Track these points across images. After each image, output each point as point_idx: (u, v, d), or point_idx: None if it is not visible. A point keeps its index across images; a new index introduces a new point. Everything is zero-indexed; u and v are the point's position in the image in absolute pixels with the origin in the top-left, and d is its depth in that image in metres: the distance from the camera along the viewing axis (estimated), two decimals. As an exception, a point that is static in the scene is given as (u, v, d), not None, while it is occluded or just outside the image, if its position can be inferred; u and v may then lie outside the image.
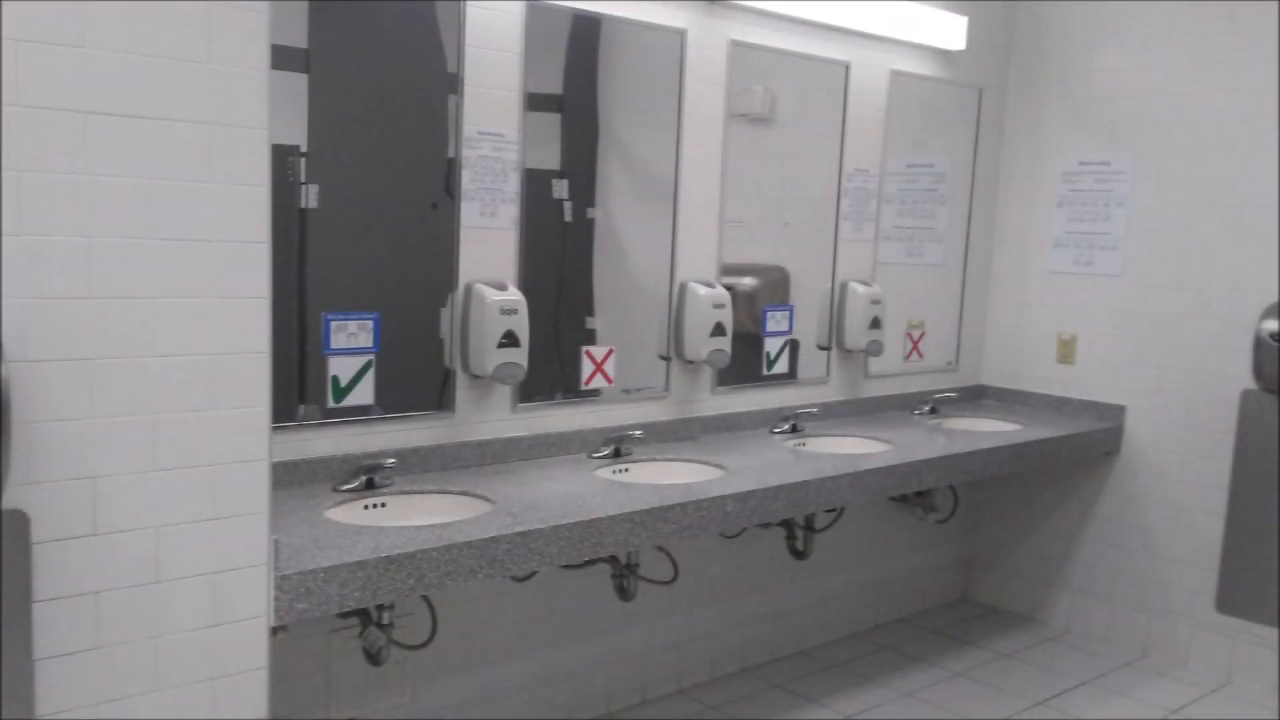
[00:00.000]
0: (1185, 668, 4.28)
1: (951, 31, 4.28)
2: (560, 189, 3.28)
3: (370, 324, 2.88)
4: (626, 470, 3.34)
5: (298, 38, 2.70)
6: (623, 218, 3.46)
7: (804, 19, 3.82)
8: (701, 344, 3.59)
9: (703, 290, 3.60)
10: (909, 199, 4.44)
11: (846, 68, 4.05)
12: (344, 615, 2.68)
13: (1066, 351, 4.59)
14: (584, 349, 3.40)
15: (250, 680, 2.15)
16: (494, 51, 3.06)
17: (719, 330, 3.60)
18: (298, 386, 2.81)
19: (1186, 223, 4.22)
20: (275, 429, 2.19)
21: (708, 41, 3.57)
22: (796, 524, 3.90)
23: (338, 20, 2.77)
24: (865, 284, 4.20)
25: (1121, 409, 4.43)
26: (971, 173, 4.66)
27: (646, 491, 2.98)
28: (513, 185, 3.15)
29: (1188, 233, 4.22)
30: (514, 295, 3.07)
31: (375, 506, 2.81)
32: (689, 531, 2.95)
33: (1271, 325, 3.80)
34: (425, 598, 2.92)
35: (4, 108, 1.78)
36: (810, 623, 4.29)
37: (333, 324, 2.82)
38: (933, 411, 4.47)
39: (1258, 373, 3.84)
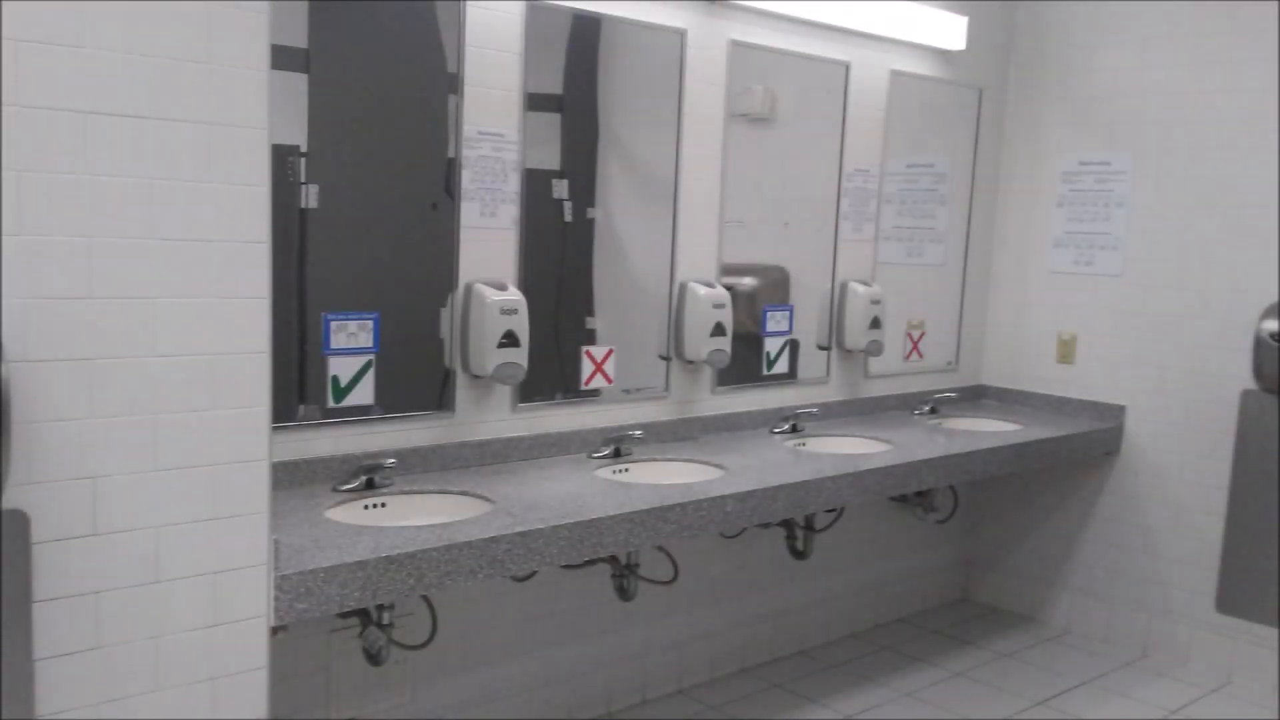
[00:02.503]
0: (1185, 668, 4.28)
1: (951, 31, 4.28)
2: (560, 189, 3.28)
3: (370, 324, 2.88)
4: (626, 470, 3.34)
5: (298, 38, 2.70)
6: (623, 218, 3.46)
7: (804, 19, 3.82)
8: (701, 344, 3.59)
9: (703, 290, 3.60)
10: (909, 199, 4.44)
11: (846, 68, 4.05)
12: (344, 615, 2.68)
13: (1066, 351, 4.59)
14: (584, 349, 3.40)
15: (250, 680, 2.15)
16: (494, 51, 3.06)
17: (719, 330, 3.60)
18: (298, 386, 2.81)
19: (1186, 223, 4.22)
20: (275, 429, 2.19)
21: (708, 41, 3.57)
22: (796, 524, 3.90)
23: (338, 20, 2.77)
24: (865, 284, 4.20)
25: (1121, 409, 4.43)
26: (971, 173, 4.66)
27: (646, 491, 2.98)
28: (513, 185, 3.15)
29: (1188, 233, 4.22)
30: (514, 295, 3.07)
31: (375, 506, 2.81)
32: (689, 531, 2.95)
33: (1271, 325, 3.80)
34: (425, 598, 2.92)
35: (4, 108, 1.78)
36: (810, 623, 4.29)
37: (333, 324, 2.82)
38: (933, 411, 4.47)
39: (1258, 373, 3.84)
